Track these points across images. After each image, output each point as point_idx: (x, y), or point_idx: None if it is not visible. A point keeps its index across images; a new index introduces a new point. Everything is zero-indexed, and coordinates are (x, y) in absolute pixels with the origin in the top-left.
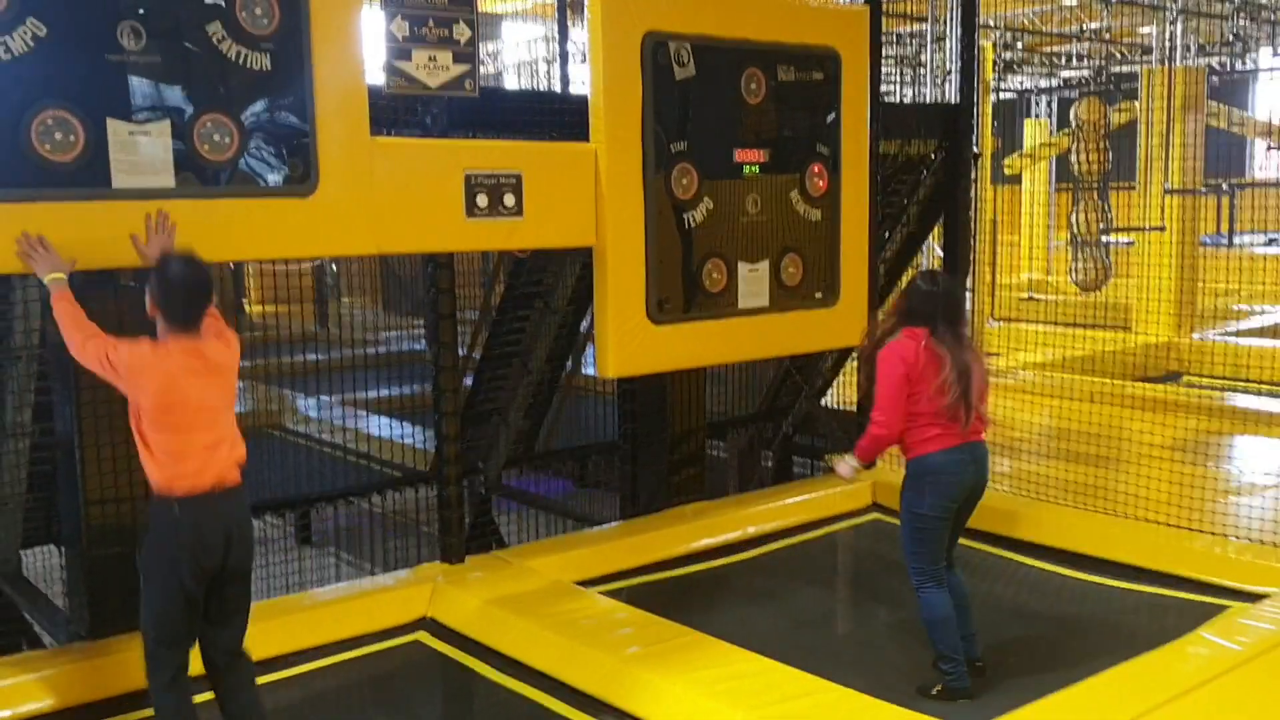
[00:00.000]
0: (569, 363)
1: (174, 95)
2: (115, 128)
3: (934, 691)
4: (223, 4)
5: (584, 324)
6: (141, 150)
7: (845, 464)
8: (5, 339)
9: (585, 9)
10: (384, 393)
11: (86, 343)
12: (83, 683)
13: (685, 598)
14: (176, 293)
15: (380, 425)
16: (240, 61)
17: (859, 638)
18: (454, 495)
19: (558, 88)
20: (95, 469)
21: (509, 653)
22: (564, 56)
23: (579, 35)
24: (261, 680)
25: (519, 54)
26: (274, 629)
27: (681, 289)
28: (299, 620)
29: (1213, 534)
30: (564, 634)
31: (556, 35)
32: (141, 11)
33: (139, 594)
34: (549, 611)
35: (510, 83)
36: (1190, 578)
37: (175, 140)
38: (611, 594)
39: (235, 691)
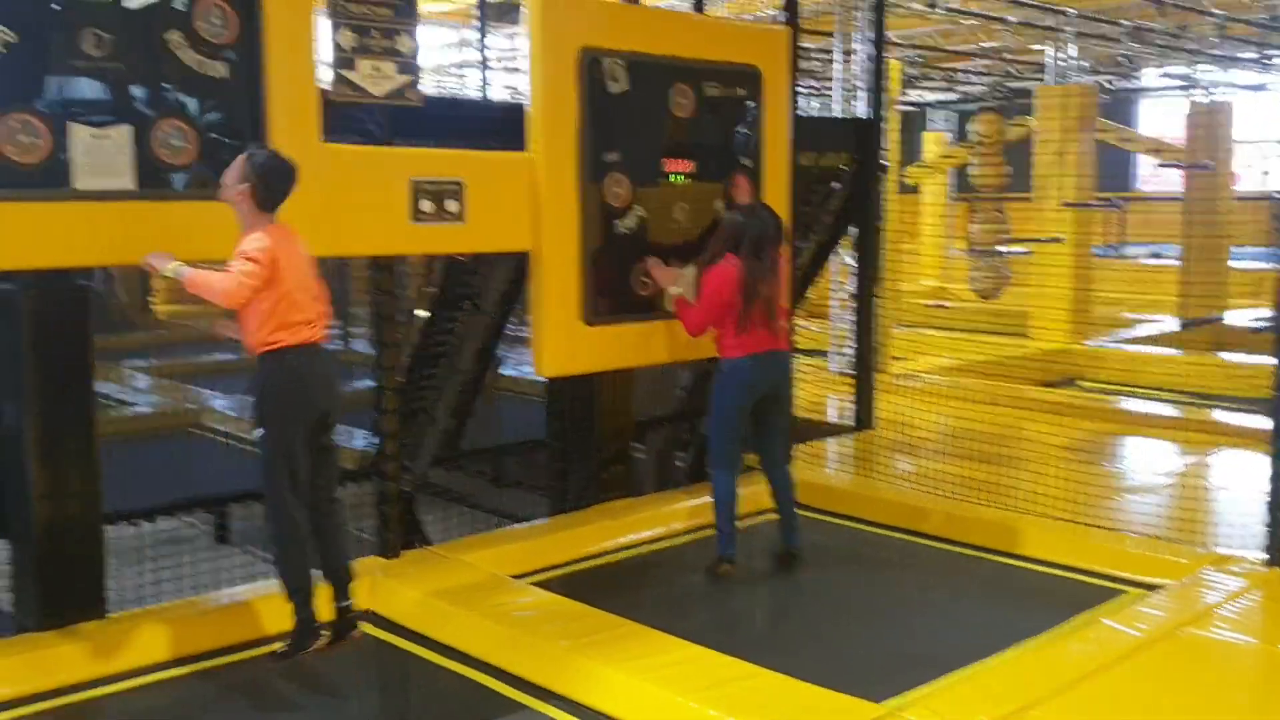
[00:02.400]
0: (494, 363)
1: (134, 100)
2: (78, 131)
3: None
4: (183, 13)
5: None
6: (102, 153)
7: (670, 283)
8: None
9: (520, 22)
10: None
11: (231, 290)
12: (39, 673)
13: (615, 590)
14: (276, 181)
15: None
16: (198, 68)
17: (785, 625)
18: (392, 491)
19: (471, 93)
20: (47, 465)
21: (451, 643)
22: (484, 63)
23: (496, 42)
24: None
25: (433, 59)
26: (209, 624)
27: (613, 292)
28: (234, 615)
29: (1109, 529)
30: (505, 624)
31: (469, 41)
32: (104, 19)
33: (89, 584)
34: (489, 603)
35: (426, 88)
36: (1088, 569)
37: (134, 144)
38: (545, 586)
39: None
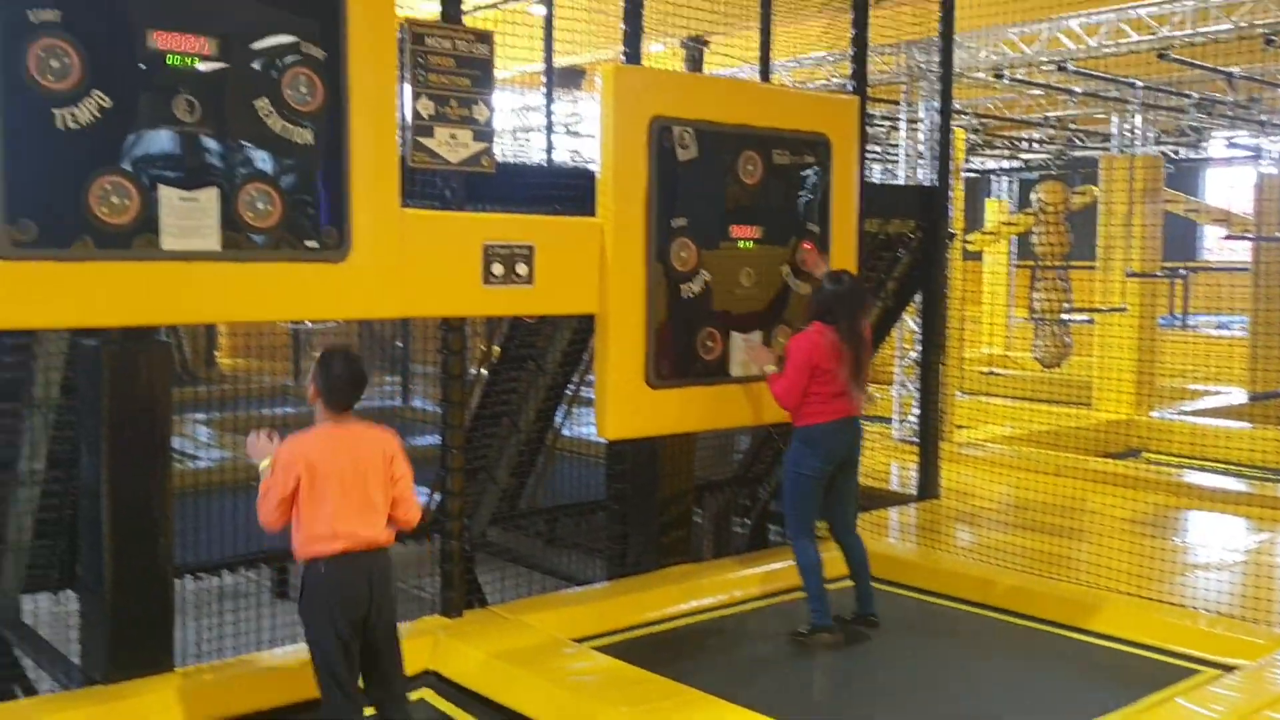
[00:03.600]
0: (556, 423)
1: (222, 164)
2: (167, 194)
3: (803, 630)
4: (272, 81)
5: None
6: (189, 215)
7: (763, 358)
8: (26, 391)
9: (582, 86)
10: None
11: (268, 517)
12: None
13: (677, 656)
14: (337, 384)
15: None
16: (284, 135)
17: (849, 695)
18: (456, 550)
19: (535, 157)
20: (121, 519)
21: (514, 706)
22: (549, 126)
23: (560, 106)
24: None
25: (499, 122)
26: (274, 680)
27: (678, 356)
28: (299, 672)
29: (1179, 606)
30: (567, 688)
31: (533, 106)
32: (196, 85)
33: (158, 637)
34: (551, 666)
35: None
36: (1158, 646)
37: (221, 207)
38: (606, 650)
39: None
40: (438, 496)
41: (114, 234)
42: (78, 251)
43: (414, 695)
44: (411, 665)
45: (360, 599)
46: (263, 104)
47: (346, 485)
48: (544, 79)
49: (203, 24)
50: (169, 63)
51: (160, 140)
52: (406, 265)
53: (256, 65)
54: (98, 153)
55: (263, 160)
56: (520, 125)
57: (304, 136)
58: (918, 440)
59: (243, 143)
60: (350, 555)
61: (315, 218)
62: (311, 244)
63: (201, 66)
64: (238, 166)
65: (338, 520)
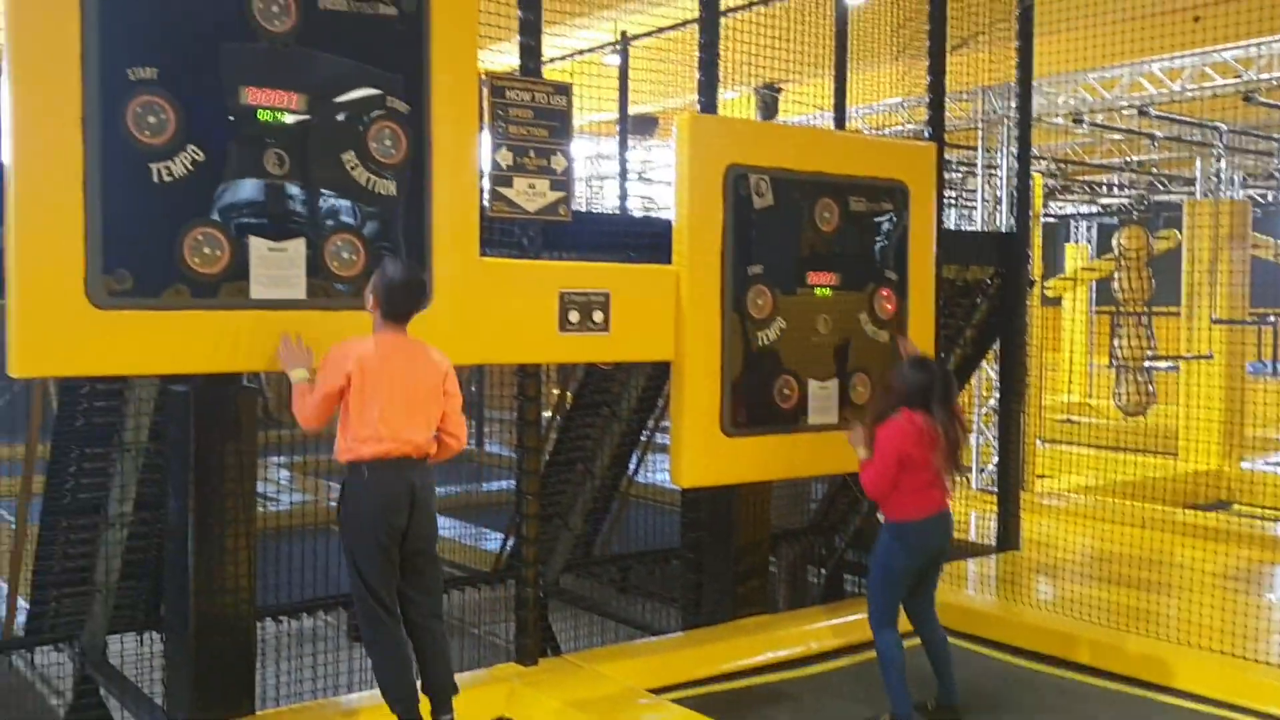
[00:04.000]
0: (629, 469)
1: (310, 215)
2: (256, 244)
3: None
4: (358, 134)
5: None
6: (277, 265)
7: (857, 441)
8: (117, 434)
9: (651, 132)
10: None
11: (309, 413)
12: None
13: (751, 710)
14: (395, 288)
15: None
16: (369, 187)
17: None
18: (532, 597)
19: (608, 204)
20: (206, 561)
21: None
22: (623, 174)
23: (632, 154)
24: None
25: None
26: None
27: (754, 404)
28: (374, 716)
29: (1272, 665)
30: None
31: (605, 154)
32: (286, 139)
33: (241, 679)
34: (627, 717)
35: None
36: (1253, 708)
37: (308, 256)
38: (681, 702)
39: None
40: (512, 542)
41: (205, 283)
42: (170, 300)
43: None
44: (486, 713)
45: (401, 505)
46: (349, 157)
47: (396, 391)
48: (618, 127)
49: (292, 80)
50: (260, 117)
51: (251, 192)
52: (485, 313)
53: (343, 119)
54: (191, 205)
55: (348, 211)
56: (594, 173)
57: (388, 188)
58: (996, 490)
59: (329, 194)
60: (393, 460)
61: None
62: None
63: (290, 121)
64: (324, 218)
65: (384, 422)
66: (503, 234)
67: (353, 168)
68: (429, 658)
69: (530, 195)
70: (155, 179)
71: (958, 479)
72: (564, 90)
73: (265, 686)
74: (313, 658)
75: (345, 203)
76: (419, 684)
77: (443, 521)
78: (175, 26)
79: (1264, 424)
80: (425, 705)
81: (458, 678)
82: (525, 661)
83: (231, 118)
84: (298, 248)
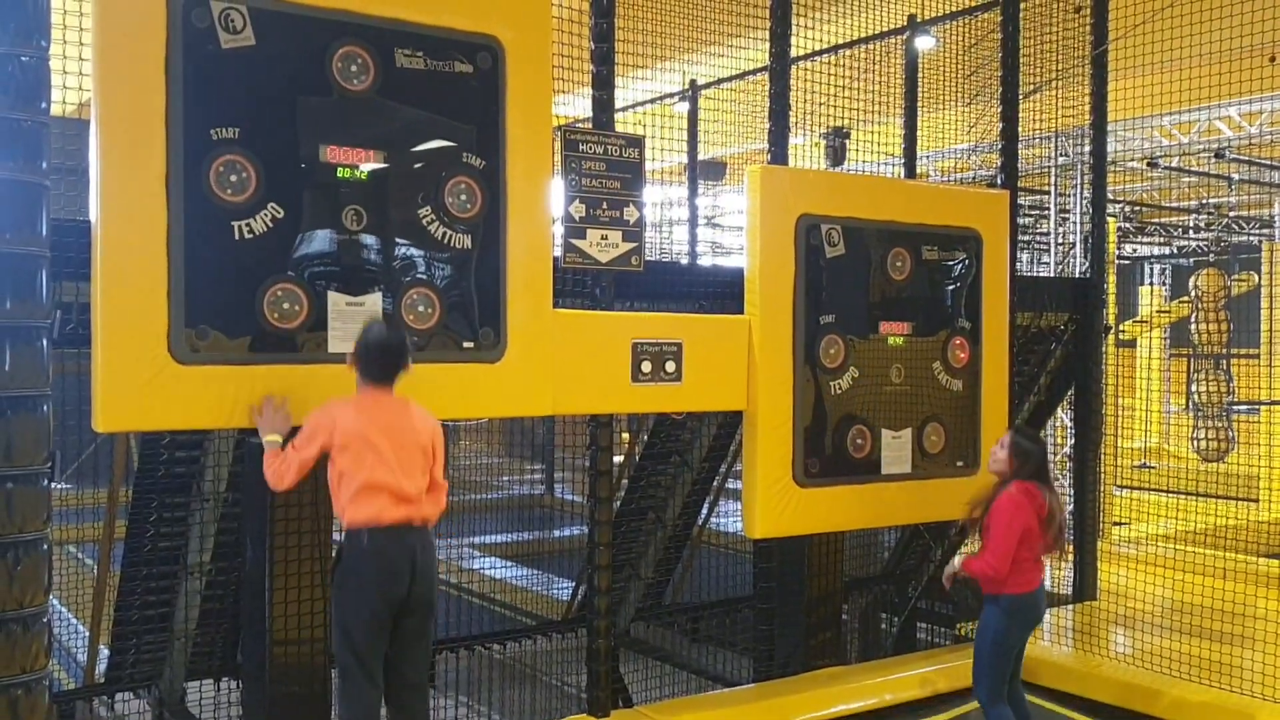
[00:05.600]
0: (700, 517)
1: (387, 270)
2: (335, 299)
3: None
4: (435, 189)
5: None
6: (356, 319)
7: (952, 566)
8: (197, 484)
9: (719, 180)
10: (504, 537)
11: (281, 472)
12: None
13: None
14: (371, 350)
15: (502, 570)
16: (445, 240)
17: None
18: (604, 648)
19: (677, 249)
20: (283, 610)
21: None
22: (693, 220)
23: (702, 200)
24: None
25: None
26: None
27: (827, 454)
28: None
29: None
30: None
31: (672, 200)
32: (364, 196)
33: None
34: None
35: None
36: None
37: (385, 310)
38: None
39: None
40: (582, 590)
41: (285, 338)
42: (251, 355)
43: None
44: None
45: (401, 574)
46: (425, 212)
47: (385, 445)
48: (687, 174)
49: (370, 138)
50: (338, 175)
51: (329, 248)
52: (559, 364)
53: (419, 175)
54: (271, 261)
55: (424, 265)
56: (662, 218)
57: (463, 242)
58: (1073, 538)
59: (406, 249)
60: (395, 529)
61: (473, 319)
62: (469, 344)
63: (367, 177)
64: (401, 272)
65: (377, 474)
66: (575, 284)
67: (429, 222)
68: None
69: (603, 246)
70: (237, 236)
71: (1059, 554)
72: (636, 143)
73: None
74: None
75: (421, 256)
76: None
77: (514, 569)
78: (257, 87)
79: None
80: None
81: None
82: (597, 713)
83: (311, 175)
84: (375, 302)
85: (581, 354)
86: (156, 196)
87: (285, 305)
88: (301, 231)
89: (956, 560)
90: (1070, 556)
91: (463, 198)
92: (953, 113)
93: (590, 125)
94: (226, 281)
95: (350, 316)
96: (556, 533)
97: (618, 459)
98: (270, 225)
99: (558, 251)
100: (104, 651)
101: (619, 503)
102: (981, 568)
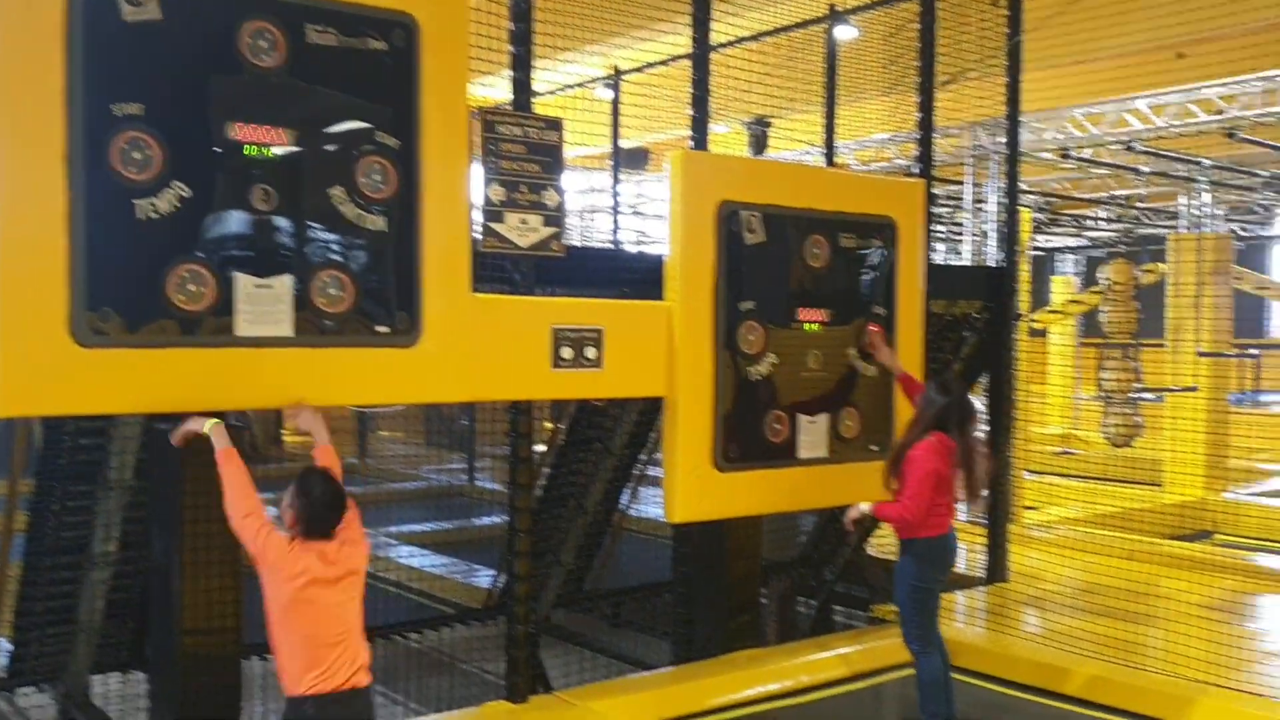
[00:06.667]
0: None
1: (297, 251)
2: (243, 281)
3: None
4: (346, 169)
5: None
6: (264, 301)
7: (858, 510)
8: (102, 472)
9: (639, 166)
10: (424, 527)
11: (248, 517)
12: None
13: None
14: (318, 509)
15: (421, 559)
16: (358, 222)
17: None
18: (523, 634)
19: (600, 237)
20: (193, 599)
21: None
22: (616, 207)
23: (626, 188)
24: None
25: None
26: None
27: (746, 439)
28: None
29: (1257, 695)
30: None
31: (596, 187)
32: (272, 175)
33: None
34: None
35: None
36: None
37: (295, 292)
38: None
39: None
40: (503, 578)
41: (190, 320)
42: (155, 338)
43: None
44: None
45: None
46: (337, 192)
47: (323, 621)
48: (610, 161)
49: (279, 115)
50: (246, 153)
51: (237, 228)
52: (476, 349)
53: (331, 154)
54: (176, 241)
55: (336, 247)
56: (585, 206)
57: (377, 223)
58: (986, 522)
59: (317, 230)
60: (341, 696)
61: (387, 303)
62: (383, 329)
63: (277, 156)
64: (312, 253)
65: (319, 656)
66: (495, 270)
67: (341, 203)
68: None
69: (522, 230)
70: (140, 216)
71: (977, 502)
72: (555, 125)
73: None
74: None
75: (333, 238)
76: None
77: (433, 558)
78: (162, 61)
79: (1246, 454)
80: None
81: (450, 716)
82: (515, 699)
83: (218, 153)
84: (284, 284)
85: (500, 339)
86: (55, 175)
87: (191, 287)
88: (208, 211)
89: (865, 505)
90: (983, 540)
91: (376, 178)
92: (872, 103)
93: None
94: (129, 263)
95: (259, 299)
96: (478, 521)
97: (541, 447)
98: (175, 205)
99: (477, 235)
100: (4, 645)
101: (541, 490)
102: (898, 512)
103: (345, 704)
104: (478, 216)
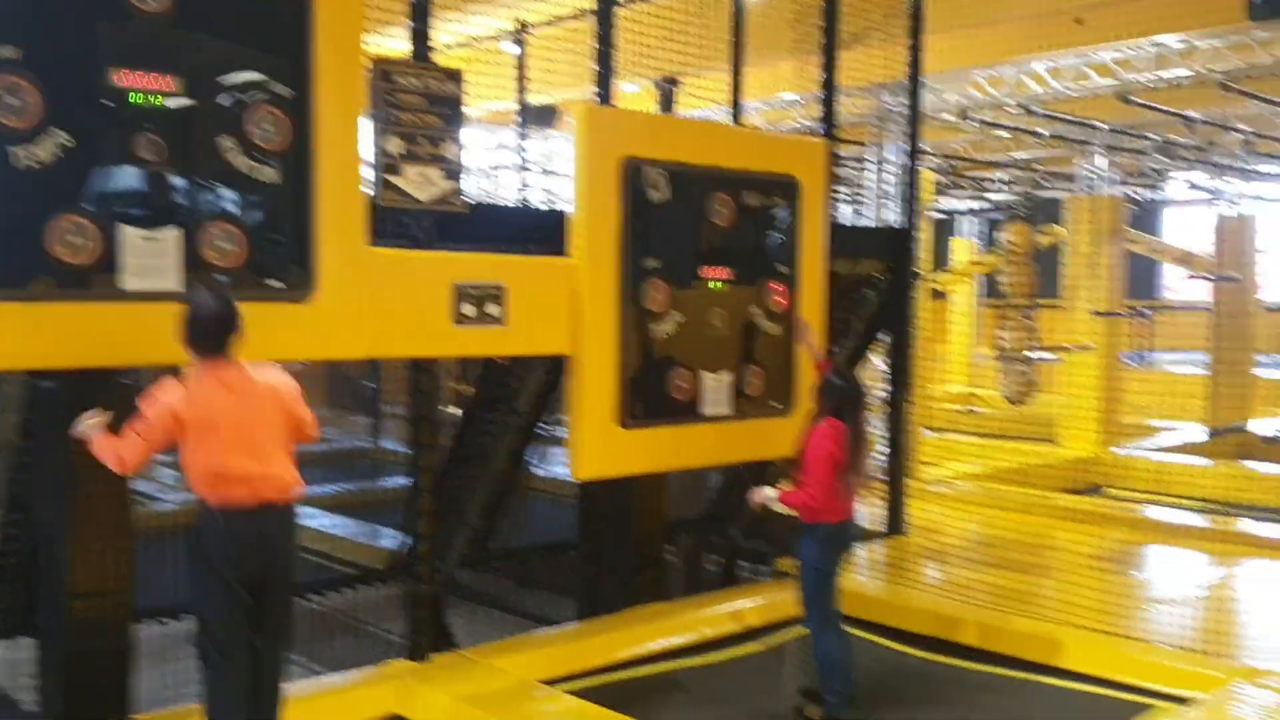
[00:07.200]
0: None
1: (186, 203)
2: (129, 234)
3: (817, 716)
4: (237, 119)
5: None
6: (151, 254)
7: (764, 495)
8: None
9: (556, 127)
10: (327, 489)
11: (126, 447)
12: None
13: (646, 698)
14: (203, 325)
15: (323, 520)
16: (249, 173)
17: None
18: (425, 593)
19: (508, 196)
20: (82, 562)
21: None
22: (523, 166)
23: (533, 145)
24: None
25: (470, 160)
26: None
27: (650, 396)
28: None
29: (1140, 641)
30: None
31: (506, 145)
32: (158, 124)
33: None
34: (519, 710)
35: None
36: (1120, 681)
37: (183, 246)
38: (576, 693)
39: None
40: (408, 539)
41: (73, 274)
42: (36, 292)
43: None
44: (375, 710)
45: (256, 556)
46: (228, 142)
47: (228, 435)
48: (517, 118)
49: (166, 62)
50: (132, 101)
51: (122, 179)
52: (374, 305)
53: (222, 103)
54: (58, 192)
55: (226, 199)
56: (496, 164)
57: (270, 175)
58: (885, 477)
59: (206, 181)
60: (250, 510)
61: (280, 256)
62: (276, 283)
63: (165, 105)
64: (201, 206)
65: (225, 461)
66: (396, 225)
67: (232, 154)
68: (259, 703)
69: (422, 184)
70: (17, 164)
71: (864, 482)
72: (455, 77)
73: (147, 690)
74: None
75: (223, 190)
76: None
77: (337, 519)
78: (42, 4)
79: (1136, 411)
80: None
81: (349, 675)
82: (417, 658)
83: (101, 101)
84: (172, 237)
85: (399, 295)
86: None
87: (74, 240)
88: (91, 161)
89: (770, 491)
90: (883, 494)
91: (269, 129)
92: (783, 63)
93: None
94: (7, 213)
95: (145, 252)
96: (384, 483)
97: (456, 410)
98: (57, 154)
99: (377, 191)
100: None
101: (448, 450)
102: (802, 499)
103: (253, 519)
104: (375, 173)
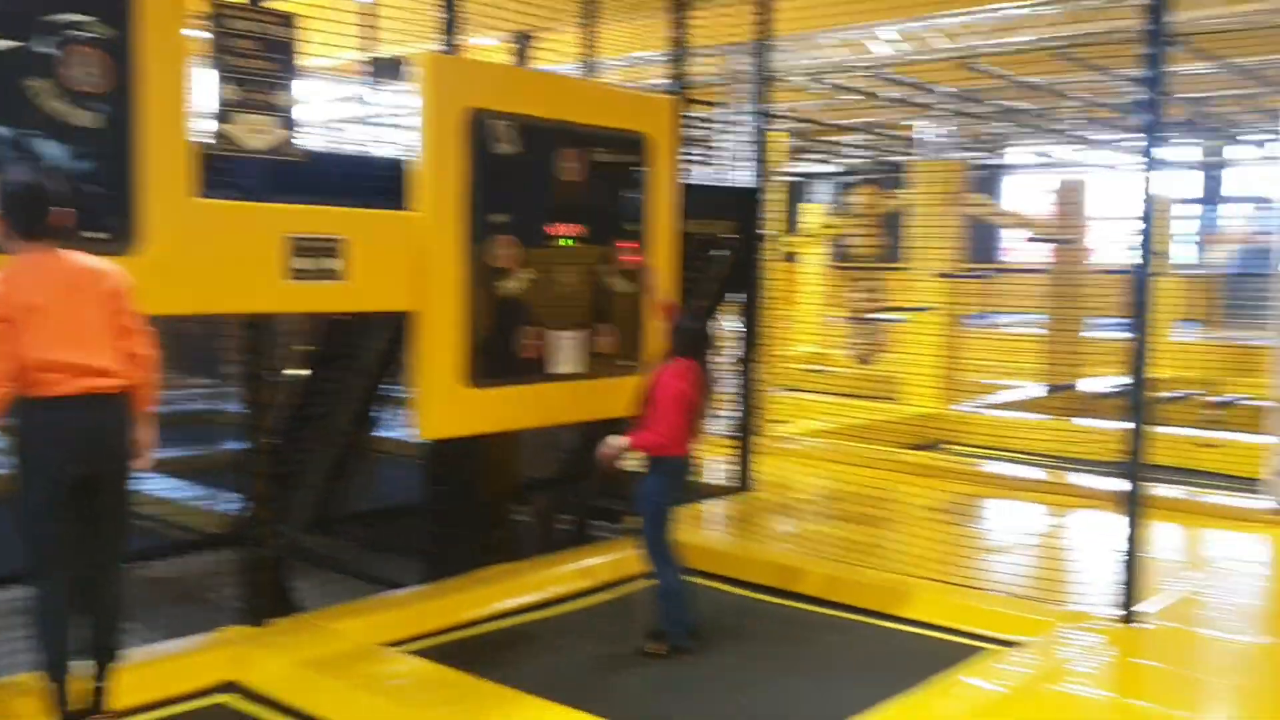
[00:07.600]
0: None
1: None
2: None
3: (663, 651)
4: (48, 60)
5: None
6: None
7: (615, 444)
8: None
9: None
10: (165, 454)
11: None
12: None
13: (490, 653)
14: (18, 200)
15: (158, 484)
16: (65, 118)
17: (663, 692)
18: (262, 557)
19: (356, 149)
20: None
21: (321, 714)
22: (366, 119)
23: (384, 98)
24: None
25: (318, 113)
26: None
27: (498, 354)
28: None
29: (974, 588)
30: (376, 693)
31: (356, 96)
32: None
33: None
34: (360, 672)
35: (314, 143)
36: (954, 627)
37: None
38: (421, 654)
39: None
40: (246, 503)
41: None
42: None
43: (210, 702)
44: (211, 677)
45: (82, 450)
46: (42, 85)
47: (52, 321)
48: (365, 69)
49: None
50: None
51: None
52: (202, 259)
53: (34, 43)
54: None
55: (40, 145)
56: (345, 116)
57: (88, 120)
58: (735, 434)
59: (16, 127)
60: (74, 400)
61: (99, 207)
62: (96, 234)
63: None
64: (10, 151)
65: (50, 350)
66: (228, 175)
67: (44, 96)
68: (94, 615)
69: (254, 132)
70: None
71: (703, 423)
72: (288, 21)
73: None
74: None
75: (36, 134)
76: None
77: (176, 484)
78: None
79: (976, 370)
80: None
81: (184, 642)
82: (256, 623)
83: None
84: None
85: (228, 248)
86: None
87: None
88: None
89: (619, 440)
90: (732, 451)
91: (88, 71)
92: (642, 20)
93: None
94: None
95: None
96: (225, 446)
97: (304, 372)
98: None
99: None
100: None
101: (289, 411)
102: (654, 438)
103: (78, 409)
104: (205, 120)
